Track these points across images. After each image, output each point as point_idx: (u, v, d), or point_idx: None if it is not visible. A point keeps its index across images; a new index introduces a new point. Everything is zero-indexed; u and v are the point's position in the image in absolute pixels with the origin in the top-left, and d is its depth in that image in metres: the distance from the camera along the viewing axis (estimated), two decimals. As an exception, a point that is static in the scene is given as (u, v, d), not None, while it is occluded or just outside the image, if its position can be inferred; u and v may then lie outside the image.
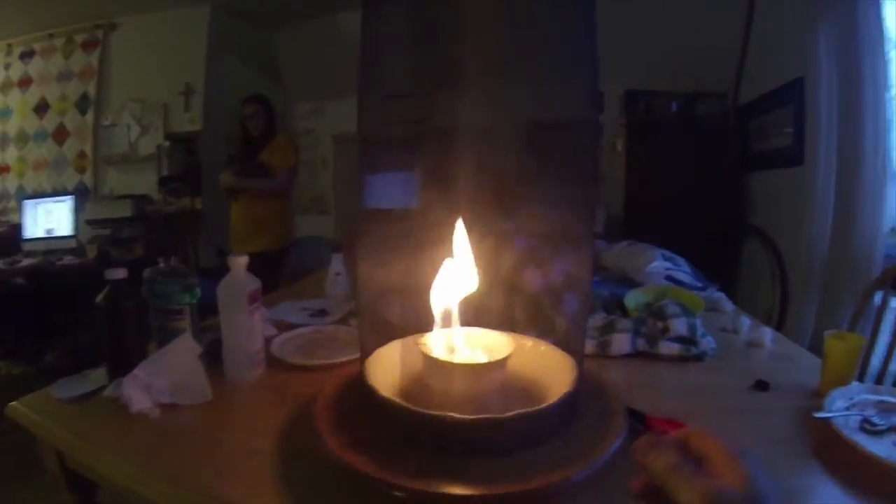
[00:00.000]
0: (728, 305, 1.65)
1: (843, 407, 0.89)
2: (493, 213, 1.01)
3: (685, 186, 3.67)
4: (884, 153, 2.41)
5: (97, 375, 0.96)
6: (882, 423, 0.84)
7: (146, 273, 0.96)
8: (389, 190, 0.92)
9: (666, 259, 1.77)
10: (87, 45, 4.22)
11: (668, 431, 0.71)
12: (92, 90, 4.22)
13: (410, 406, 0.62)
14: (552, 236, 1.01)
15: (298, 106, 4.84)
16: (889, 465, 0.71)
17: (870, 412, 0.87)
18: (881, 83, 2.40)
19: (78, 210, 3.88)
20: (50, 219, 3.86)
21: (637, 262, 1.75)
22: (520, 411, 0.61)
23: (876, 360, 1.60)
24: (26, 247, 3.76)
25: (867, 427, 0.83)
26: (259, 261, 2.95)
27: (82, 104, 4.24)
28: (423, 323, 0.77)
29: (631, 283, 1.70)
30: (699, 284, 1.73)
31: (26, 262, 3.52)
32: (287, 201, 3.20)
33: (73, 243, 3.78)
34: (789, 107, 3.10)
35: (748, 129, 3.72)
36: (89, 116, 4.22)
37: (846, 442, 0.77)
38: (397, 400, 0.63)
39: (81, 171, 4.23)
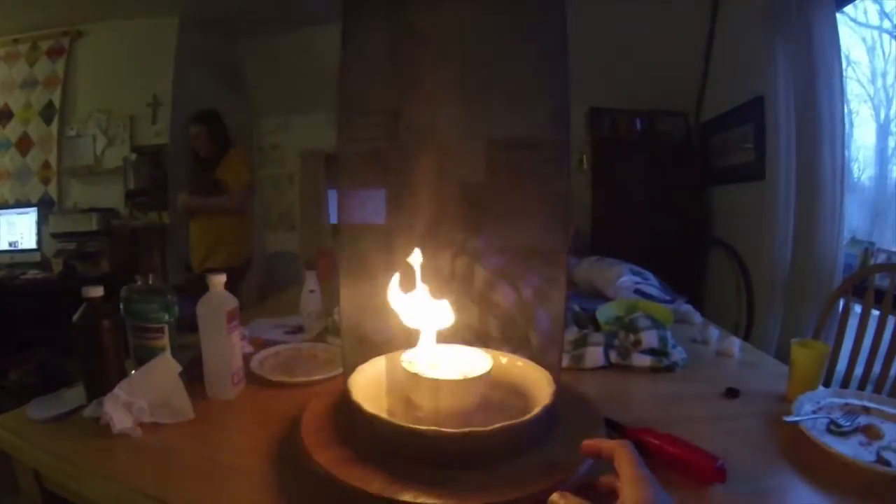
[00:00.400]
0: (697, 317, 1.70)
1: (810, 410, 0.94)
2: (466, 231, 1.03)
3: (650, 201, 3.77)
4: (841, 167, 2.50)
5: (73, 395, 0.95)
6: (847, 424, 0.89)
7: (123, 291, 0.96)
8: (364, 206, 0.93)
9: (634, 273, 1.82)
10: (53, 53, 4.11)
11: (645, 440, 0.75)
12: (57, 99, 4.09)
13: (399, 422, 0.64)
14: (527, 253, 1.03)
15: (264, 121, 4.80)
16: (855, 463, 0.76)
17: (836, 415, 0.92)
18: (837, 100, 2.49)
19: (42, 223, 3.77)
20: (13, 231, 3.75)
21: (606, 277, 1.79)
22: (504, 424, 0.64)
23: (841, 365, 1.67)
24: (-12, 260, 3.65)
25: (834, 429, 0.88)
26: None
27: (47, 113, 4.11)
28: (401, 339, 0.79)
29: (601, 298, 1.74)
30: (667, 297, 1.78)
31: (-13, 275, 3.43)
32: (245, 218, 3.16)
33: (37, 257, 3.68)
34: (750, 124, 3.20)
35: (710, 146, 3.82)
36: (54, 126, 4.10)
37: (815, 443, 0.81)
38: (385, 416, 0.65)
39: (46, 182, 4.09)
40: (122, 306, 0.96)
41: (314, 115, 4.52)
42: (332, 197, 4.69)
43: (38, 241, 3.75)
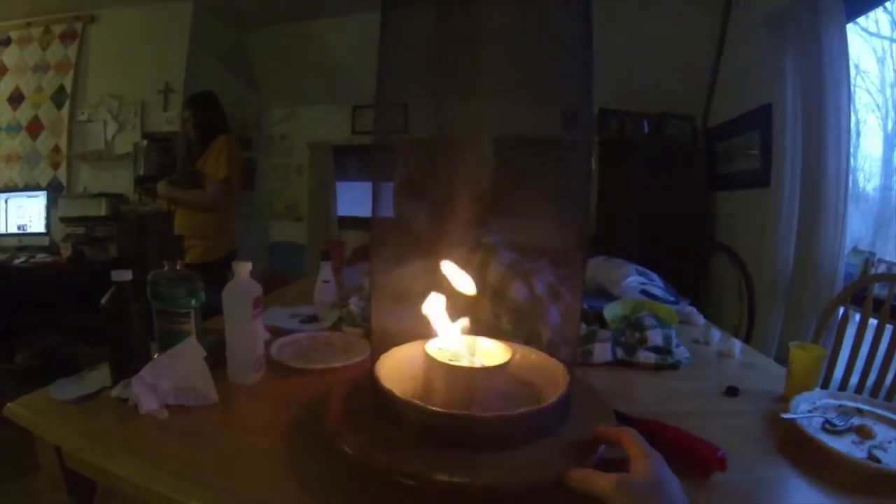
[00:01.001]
0: (699, 319, 1.74)
1: (806, 410, 0.98)
2: (484, 228, 1.06)
3: (655, 203, 3.78)
4: (845, 177, 2.51)
5: (96, 376, 0.98)
6: (841, 424, 0.93)
7: (151, 275, 0.99)
8: (391, 200, 0.94)
9: (640, 274, 1.85)
10: (66, 37, 4.13)
11: (652, 430, 0.79)
12: (68, 83, 4.12)
13: (434, 408, 0.67)
14: (545, 253, 1.06)
15: (274, 111, 4.83)
16: (848, 459, 0.80)
17: (831, 415, 0.96)
18: (843, 111, 2.49)
19: (51, 207, 3.81)
20: (21, 214, 3.79)
21: (613, 277, 1.82)
22: (530, 408, 0.68)
23: (838, 373, 1.70)
24: (-3, 242, 3.69)
25: (828, 427, 0.92)
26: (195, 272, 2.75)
27: (58, 97, 4.14)
28: (423, 329, 0.82)
29: (607, 296, 1.77)
30: (671, 299, 1.81)
31: (-3, 258, 3.47)
32: (226, 212, 2.95)
33: (45, 241, 3.71)
34: (756, 131, 3.23)
35: (716, 151, 3.84)
36: (65, 110, 4.13)
37: (810, 440, 0.85)
38: (417, 402, 0.68)
39: (55, 166, 4.13)
40: (148, 290, 0.99)
41: (323, 106, 4.56)
42: (340, 189, 4.72)
43: (47, 225, 3.78)
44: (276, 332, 1.28)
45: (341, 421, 0.73)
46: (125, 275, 0.93)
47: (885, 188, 2.77)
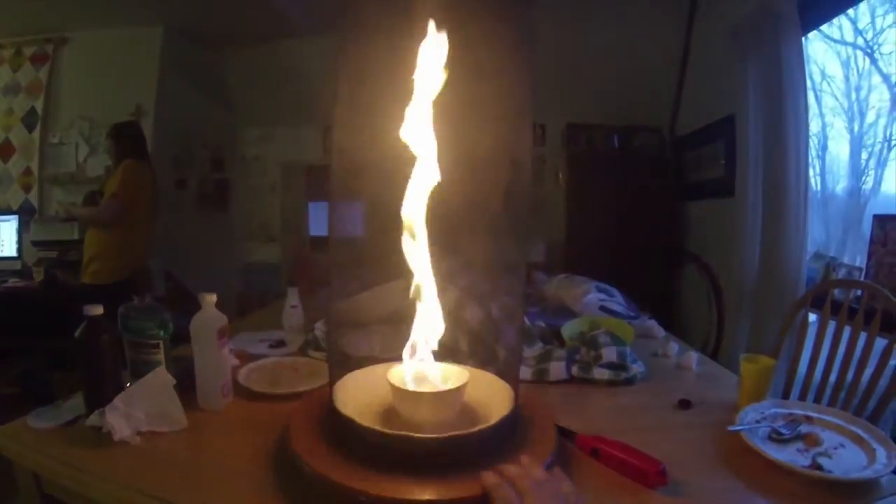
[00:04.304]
0: (659, 332, 1.80)
1: (754, 420, 1.03)
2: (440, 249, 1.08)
3: (625, 215, 3.87)
4: (805, 185, 2.60)
5: (72, 405, 1.02)
6: (788, 432, 0.99)
7: (121, 309, 1.03)
8: (347, 219, 0.98)
9: (600, 290, 1.92)
10: (36, 59, 4.11)
11: (595, 446, 0.84)
12: (39, 106, 4.09)
13: (386, 430, 0.75)
14: (489, 267, 1.11)
15: (247, 131, 4.85)
16: (788, 467, 0.86)
17: (779, 423, 1.02)
18: (802, 122, 2.59)
19: (22, 230, 3.78)
20: (-7, 238, 3.76)
21: (574, 294, 1.89)
22: (481, 427, 0.77)
23: (800, 373, 1.75)
24: (-33, 267, 3.64)
25: (775, 437, 0.98)
26: (89, 293, 2.68)
27: (29, 119, 4.11)
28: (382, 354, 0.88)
29: (568, 313, 1.84)
30: (632, 313, 1.88)
31: (-33, 282, 3.43)
32: (127, 235, 2.93)
33: (17, 265, 3.67)
34: (721, 141, 3.35)
35: (684, 161, 3.95)
36: (36, 133, 4.10)
37: (753, 450, 0.91)
38: (376, 427, 0.76)
39: (27, 189, 4.09)
40: (119, 323, 1.03)
41: (296, 127, 4.58)
42: (312, 209, 4.75)
43: (19, 249, 3.75)
44: (245, 358, 1.32)
45: (303, 443, 0.78)
46: (97, 309, 0.97)
47: (852, 190, 2.87)
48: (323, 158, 4.51)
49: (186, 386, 1.03)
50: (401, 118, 0.84)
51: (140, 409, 0.93)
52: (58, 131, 4.11)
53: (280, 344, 1.51)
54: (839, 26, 2.81)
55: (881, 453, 0.90)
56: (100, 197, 2.97)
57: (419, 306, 0.88)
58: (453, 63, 0.86)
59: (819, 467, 0.86)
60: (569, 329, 1.56)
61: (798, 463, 0.87)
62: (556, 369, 1.30)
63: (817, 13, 2.70)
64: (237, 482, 0.81)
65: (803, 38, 2.65)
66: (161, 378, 0.97)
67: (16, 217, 3.83)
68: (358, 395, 0.88)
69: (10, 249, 3.75)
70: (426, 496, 0.68)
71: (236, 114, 4.81)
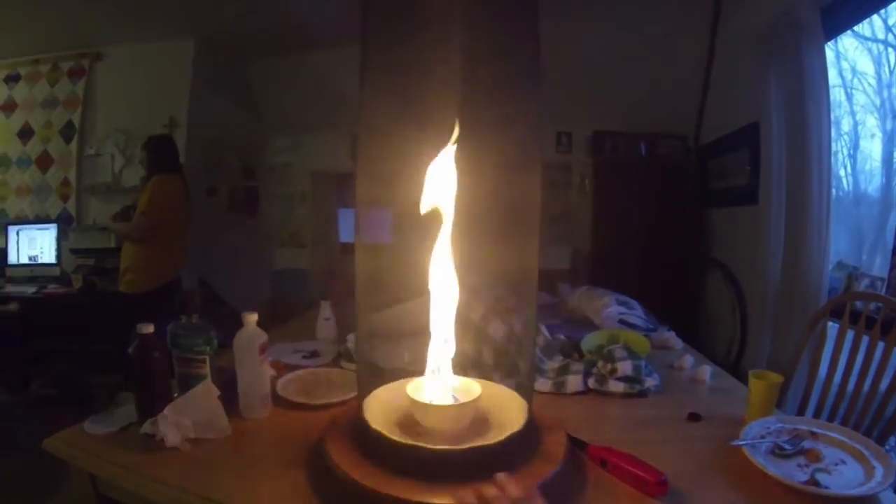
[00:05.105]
0: (677, 343, 1.85)
1: (758, 435, 1.07)
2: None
3: (650, 222, 3.92)
4: (827, 195, 2.61)
5: (124, 413, 1.12)
6: (790, 447, 1.03)
7: (171, 327, 1.13)
8: (376, 227, 1.04)
9: (620, 303, 1.98)
10: (73, 74, 4.26)
11: (605, 458, 0.91)
12: (77, 119, 4.25)
13: (411, 441, 0.84)
14: (502, 276, 1.16)
15: (276, 140, 4.95)
16: (784, 481, 0.90)
17: (783, 439, 1.05)
18: (825, 130, 2.60)
19: (61, 238, 3.94)
20: (33, 245, 3.91)
21: (595, 307, 1.95)
22: (502, 438, 0.85)
23: (818, 384, 1.77)
24: (9, 273, 3.83)
25: (777, 451, 1.03)
26: (125, 301, 2.84)
27: (67, 132, 4.27)
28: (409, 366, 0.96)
29: (590, 325, 1.90)
30: (651, 326, 1.93)
31: (11, 288, 3.60)
32: (156, 247, 3.05)
33: (56, 271, 3.83)
34: (745, 149, 3.35)
35: (708, 168, 3.97)
36: (73, 144, 4.25)
37: (752, 464, 0.95)
38: (399, 439, 0.85)
39: (65, 198, 4.25)
40: (168, 340, 1.13)
41: (323, 135, 4.67)
42: (342, 217, 4.85)
43: (58, 256, 3.90)
44: (281, 369, 1.42)
45: (336, 452, 0.87)
46: (148, 328, 1.07)
47: (886, 187, 2.81)
48: (351, 166, 4.59)
49: (229, 397, 1.12)
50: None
51: (188, 417, 1.02)
52: (94, 143, 4.25)
53: (314, 355, 1.60)
54: (870, 23, 2.76)
55: (879, 471, 0.94)
56: (133, 212, 3.10)
57: (437, 322, 0.95)
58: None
59: (816, 483, 0.90)
60: (588, 342, 1.62)
61: (795, 478, 0.91)
62: (574, 382, 1.37)
63: (840, 20, 2.70)
64: (276, 484, 0.90)
65: (832, 42, 2.67)
66: (207, 390, 1.07)
67: (55, 225, 3.99)
68: (384, 406, 0.97)
69: (49, 256, 3.90)
70: (436, 500, 0.76)
71: (265, 123, 4.92)
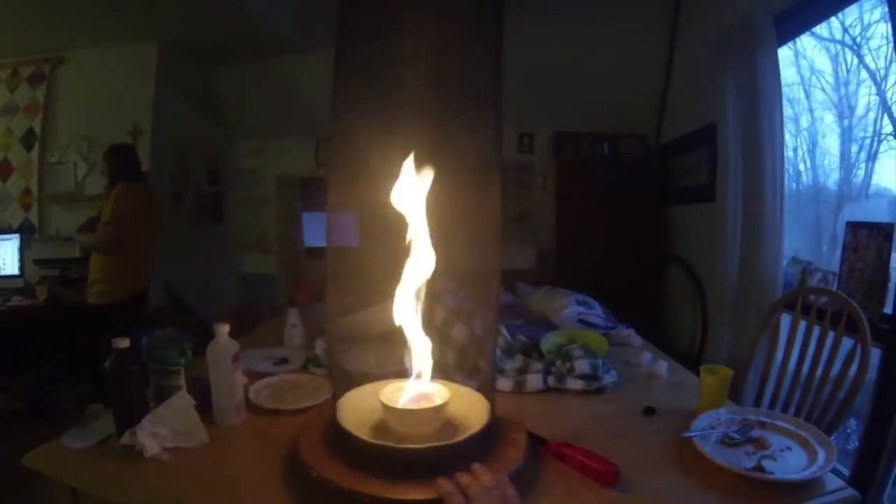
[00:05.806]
0: (637, 340, 1.92)
1: (708, 426, 1.15)
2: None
3: (613, 220, 4.00)
4: (781, 193, 2.71)
5: (101, 426, 1.15)
6: (738, 436, 1.11)
7: (145, 340, 1.17)
8: (343, 230, 1.08)
9: (580, 304, 2.05)
10: (33, 79, 4.18)
11: (563, 452, 0.98)
12: (38, 125, 4.17)
13: (384, 443, 0.91)
14: (466, 276, 1.22)
15: (241, 145, 4.94)
16: (731, 470, 0.97)
17: (732, 429, 1.13)
18: (777, 130, 2.70)
19: (24, 249, 3.87)
20: (-6, 257, 3.85)
21: (554, 307, 2.02)
22: (467, 436, 0.92)
23: (773, 372, 1.89)
24: (-30, 285, 3.73)
25: (726, 441, 1.10)
26: (94, 312, 2.79)
27: (27, 139, 4.18)
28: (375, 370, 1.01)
29: (549, 326, 1.97)
30: (609, 325, 2.01)
31: (-28, 301, 3.52)
32: (124, 257, 3.03)
33: (19, 283, 3.77)
34: (704, 148, 3.47)
35: (669, 167, 4.09)
36: (35, 152, 4.17)
37: (700, 454, 1.03)
38: (370, 439, 0.91)
39: (26, 208, 4.17)
40: (144, 353, 1.16)
41: (287, 140, 4.67)
42: (307, 220, 4.86)
43: (21, 268, 3.84)
44: (253, 376, 1.46)
45: (311, 453, 0.94)
46: (124, 342, 1.10)
47: (843, 182, 2.95)
48: (316, 171, 4.62)
49: (205, 405, 1.17)
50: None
51: (166, 427, 1.06)
52: (56, 150, 4.18)
53: (284, 361, 1.64)
54: (828, 24, 2.85)
55: (821, 456, 1.02)
56: (97, 222, 3.06)
57: (405, 328, 1.01)
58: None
59: (762, 469, 0.98)
60: (548, 341, 1.69)
61: (742, 465, 0.99)
62: (534, 381, 1.44)
63: (794, 25, 2.81)
64: (254, 488, 0.95)
65: (790, 42, 2.78)
66: (184, 400, 1.11)
67: (17, 236, 3.92)
68: (356, 410, 1.02)
69: (12, 268, 3.84)
70: (411, 496, 0.83)
71: (230, 127, 4.90)
